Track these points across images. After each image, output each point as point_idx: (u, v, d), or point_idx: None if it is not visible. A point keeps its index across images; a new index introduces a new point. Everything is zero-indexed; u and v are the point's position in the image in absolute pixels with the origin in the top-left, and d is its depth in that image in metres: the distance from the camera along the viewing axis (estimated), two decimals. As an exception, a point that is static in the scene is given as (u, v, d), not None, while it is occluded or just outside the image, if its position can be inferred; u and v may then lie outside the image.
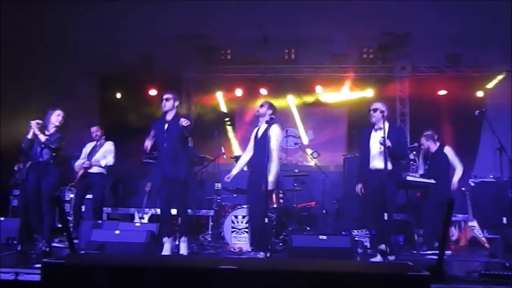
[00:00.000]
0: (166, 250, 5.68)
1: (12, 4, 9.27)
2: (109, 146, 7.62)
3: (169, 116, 5.87)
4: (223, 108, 11.35)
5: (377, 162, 5.79)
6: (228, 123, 11.13)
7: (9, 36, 10.37)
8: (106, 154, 7.51)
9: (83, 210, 7.77)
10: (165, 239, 5.76)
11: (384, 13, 10.12)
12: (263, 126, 6.12)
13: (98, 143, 7.59)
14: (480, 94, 10.59)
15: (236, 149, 10.77)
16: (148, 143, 5.78)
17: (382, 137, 5.57)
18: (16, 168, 7.51)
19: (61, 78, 10.85)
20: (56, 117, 6.01)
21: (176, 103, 5.93)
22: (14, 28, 10.05)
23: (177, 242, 5.96)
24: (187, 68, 11.07)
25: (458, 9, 9.69)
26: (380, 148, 5.69)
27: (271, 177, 5.84)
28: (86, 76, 11.08)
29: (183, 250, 5.78)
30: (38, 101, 10.38)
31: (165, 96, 5.89)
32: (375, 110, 5.87)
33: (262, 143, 5.88)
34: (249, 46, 11.07)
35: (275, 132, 6.03)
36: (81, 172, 7.30)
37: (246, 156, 6.40)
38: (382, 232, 5.82)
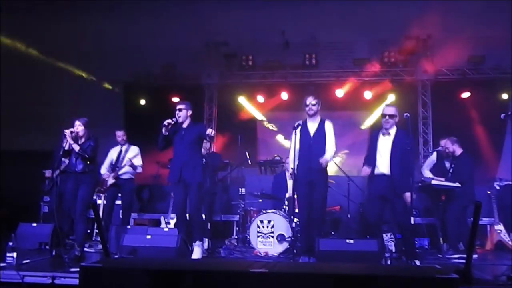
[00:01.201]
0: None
1: (38, 15, 9.54)
2: (136, 150, 7.65)
3: (184, 125, 6.07)
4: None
5: (382, 167, 5.72)
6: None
7: (34, 47, 10.71)
8: (134, 159, 7.54)
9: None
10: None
11: (405, 17, 10.14)
12: (314, 123, 6.01)
13: (123, 147, 7.63)
14: (504, 96, 10.42)
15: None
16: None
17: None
18: (47, 174, 7.74)
19: (87, 86, 11.12)
20: (76, 127, 6.08)
21: (189, 113, 6.09)
22: (38, 39, 10.36)
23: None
24: (210, 74, 11.20)
25: (481, 10, 9.64)
26: (386, 153, 5.70)
27: (328, 155, 5.80)
28: (111, 83, 11.31)
29: (197, 254, 5.72)
30: (64, 108, 10.68)
31: (178, 107, 6.05)
32: (391, 116, 5.76)
33: (318, 140, 5.88)
34: (270, 51, 11.20)
35: (332, 127, 6.00)
36: (112, 181, 7.37)
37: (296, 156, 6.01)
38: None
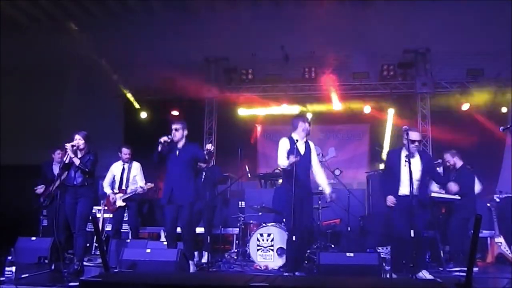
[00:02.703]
0: None
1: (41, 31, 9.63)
2: (138, 167, 7.60)
3: (180, 144, 6.13)
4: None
5: (405, 189, 5.68)
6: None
7: (37, 61, 10.78)
8: (137, 177, 7.53)
9: (108, 229, 7.92)
10: None
11: (404, 30, 10.23)
12: (302, 142, 6.00)
13: (126, 165, 7.57)
14: (504, 109, 10.42)
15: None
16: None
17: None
18: (38, 191, 7.69)
19: (87, 99, 11.16)
20: (76, 141, 6.02)
21: (185, 132, 6.16)
22: (41, 53, 10.44)
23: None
24: (210, 88, 11.22)
25: (479, 23, 9.73)
26: (416, 175, 5.72)
27: (328, 189, 6.01)
28: (112, 97, 11.33)
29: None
30: (64, 122, 10.73)
31: (174, 126, 6.11)
32: (419, 141, 6.06)
33: (306, 160, 5.94)
34: (270, 66, 11.26)
35: (314, 147, 6.15)
36: (121, 204, 7.33)
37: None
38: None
